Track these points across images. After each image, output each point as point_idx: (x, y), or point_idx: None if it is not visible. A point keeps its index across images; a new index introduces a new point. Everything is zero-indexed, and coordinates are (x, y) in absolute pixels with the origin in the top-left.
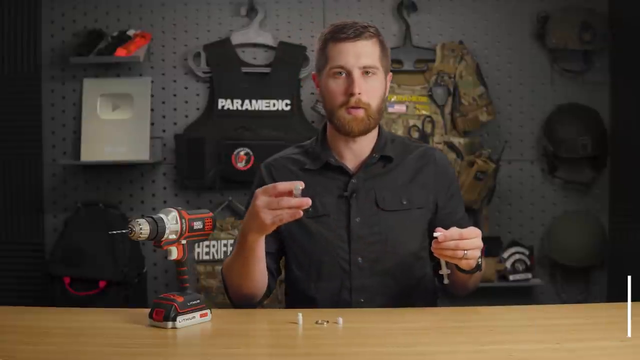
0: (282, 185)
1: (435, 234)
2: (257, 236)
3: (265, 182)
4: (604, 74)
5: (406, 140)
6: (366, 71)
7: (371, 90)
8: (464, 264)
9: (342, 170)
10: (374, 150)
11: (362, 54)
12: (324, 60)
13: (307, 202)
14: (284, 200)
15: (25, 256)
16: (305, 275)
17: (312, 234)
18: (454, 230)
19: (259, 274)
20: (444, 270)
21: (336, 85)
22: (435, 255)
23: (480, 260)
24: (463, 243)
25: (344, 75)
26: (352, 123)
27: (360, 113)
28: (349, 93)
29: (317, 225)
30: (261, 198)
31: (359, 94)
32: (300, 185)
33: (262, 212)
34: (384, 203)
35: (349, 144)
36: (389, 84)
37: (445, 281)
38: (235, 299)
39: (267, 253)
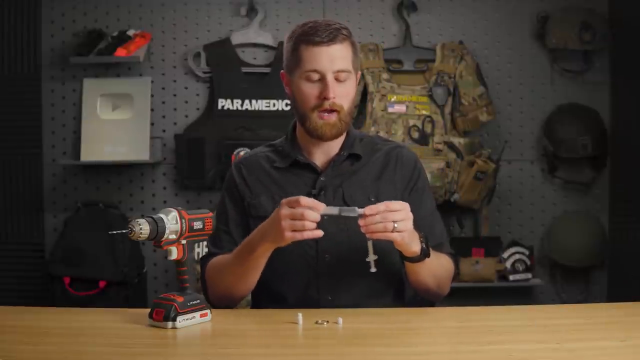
0: (305, 200)
1: (359, 210)
2: (270, 247)
3: (235, 182)
4: (604, 74)
5: (375, 139)
6: (339, 75)
7: (344, 93)
8: (397, 238)
9: (310, 167)
10: (342, 148)
11: (336, 58)
12: (296, 62)
13: (319, 233)
14: (308, 213)
15: (25, 256)
16: (272, 272)
17: None
18: (379, 204)
19: (254, 282)
20: (371, 256)
21: (310, 89)
22: (367, 236)
23: (423, 244)
24: (391, 214)
25: (317, 78)
26: (324, 128)
27: (333, 117)
28: (323, 97)
29: None
30: (286, 207)
31: (333, 98)
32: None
33: (285, 221)
34: (352, 200)
35: (318, 143)
36: (357, 81)
37: (373, 269)
38: (217, 298)
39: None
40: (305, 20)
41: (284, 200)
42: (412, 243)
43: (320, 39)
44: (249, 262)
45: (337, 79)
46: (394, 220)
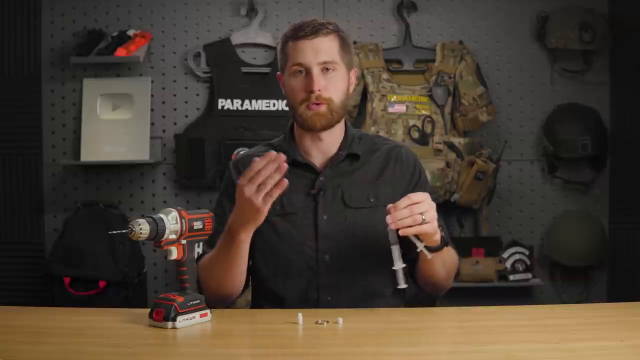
0: (257, 163)
1: (387, 218)
2: (250, 230)
3: (233, 181)
4: (604, 74)
5: (374, 138)
6: (326, 67)
7: (331, 85)
8: (428, 229)
9: (309, 167)
10: (340, 147)
11: (320, 50)
12: (284, 59)
13: (282, 157)
14: (265, 170)
15: (25, 256)
16: (272, 273)
17: (279, 231)
18: (403, 199)
19: (242, 273)
20: (420, 246)
21: (296, 83)
22: (400, 234)
23: (443, 233)
24: (416, 206)
25: (303, 72)
26: (314, 118)
27: (322, 108)
28: (309, 90)
29: (284, 223)
30: (244, 183)
31: (319, 90)
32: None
33: (252, 196)
34: (351, 200)
35: (316, 142)
36: (353, 79)
37: (402, 284)
38: (212, 297)
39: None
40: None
41: (239, 180)
42: (436, 232)
43: (304, 33)
44: (233, 251)
45: (323, 72)
46: (420, 212)
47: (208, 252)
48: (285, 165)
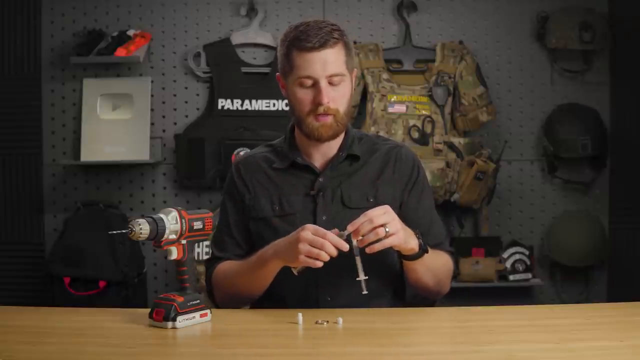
0: (332, 236)
1: (344, 232)
2: (281, 263)
3: (235, 183)
4: (604, 74)
5: (374, 138)
6: (333, 79)
7: (339, 96)
8: (394, 241)
9: (309, 169)
10: (340, 148)
11: (328, 62)
12: (289, 67)
13: (345, 247)
14: (327, 244)
15: (25, 256)
16: None
17: (278, 232)
18: (360, 217)
19: (264, 288)
20: (361, 276)
21: (304, 94)
22: (367, 251)
23: (421, 240)
24: (376, 218)
25: (311, 84)
26: (321, 130)
27: (329, 119)
28: (317, 102)
29: (283, 224)
30: (307, 232)
31: (327, 102)
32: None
33: (302, 244)
34: (350, 201)
35: (317, 144)
36: (355, 79)
37: (364, 291)
38: (224, 302)
39: (240, 255)
40: (297, 22)
41: (309, 226)
42: (409, 240)
43: (312, 45)
44: (259, 274)
45: (330, 83)
46: (382, 225)
47: (219, 256)
48: (335, 253)
